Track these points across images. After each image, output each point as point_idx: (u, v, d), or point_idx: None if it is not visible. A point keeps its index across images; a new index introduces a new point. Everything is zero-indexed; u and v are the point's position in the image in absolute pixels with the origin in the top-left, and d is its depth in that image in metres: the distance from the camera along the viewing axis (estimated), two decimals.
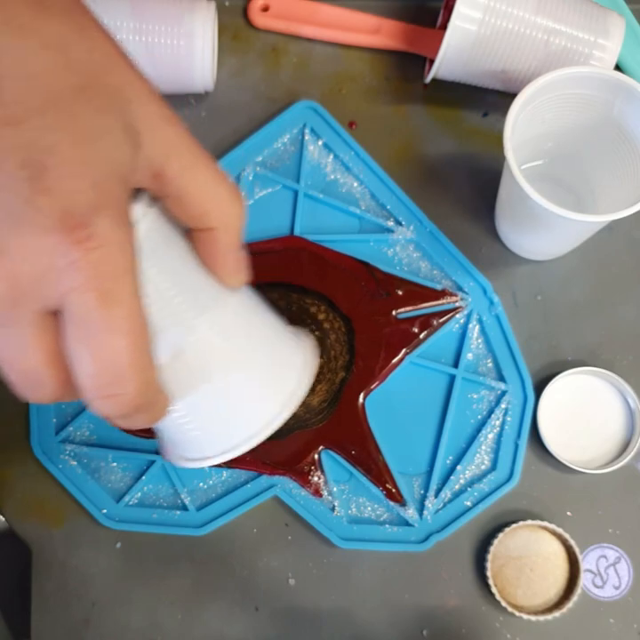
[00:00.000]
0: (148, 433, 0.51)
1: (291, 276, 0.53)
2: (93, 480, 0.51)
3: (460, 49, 0.51)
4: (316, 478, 0.51)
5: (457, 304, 0.53)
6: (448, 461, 0.52)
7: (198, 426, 0.34)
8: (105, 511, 0.51)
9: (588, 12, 0.51)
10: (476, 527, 0.51)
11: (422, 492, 0.51)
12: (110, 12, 0.50)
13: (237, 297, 0.33)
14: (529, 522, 0.50)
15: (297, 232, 0.54)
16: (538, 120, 0.48)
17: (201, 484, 0.51)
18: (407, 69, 0.58)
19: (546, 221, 0.46)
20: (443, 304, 0.53)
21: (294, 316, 0.52)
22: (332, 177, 0.55)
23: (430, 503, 0.51)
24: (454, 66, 0.53)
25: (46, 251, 0.24)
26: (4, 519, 0.51)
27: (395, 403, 0.52)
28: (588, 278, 0.55)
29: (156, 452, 0.51)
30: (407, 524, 0.51)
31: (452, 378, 0.52)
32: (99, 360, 0.25)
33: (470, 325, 0.53)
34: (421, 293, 0.53)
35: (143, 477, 0.51)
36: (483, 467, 0.52)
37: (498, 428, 0.52)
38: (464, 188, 0.56)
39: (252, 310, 0.34)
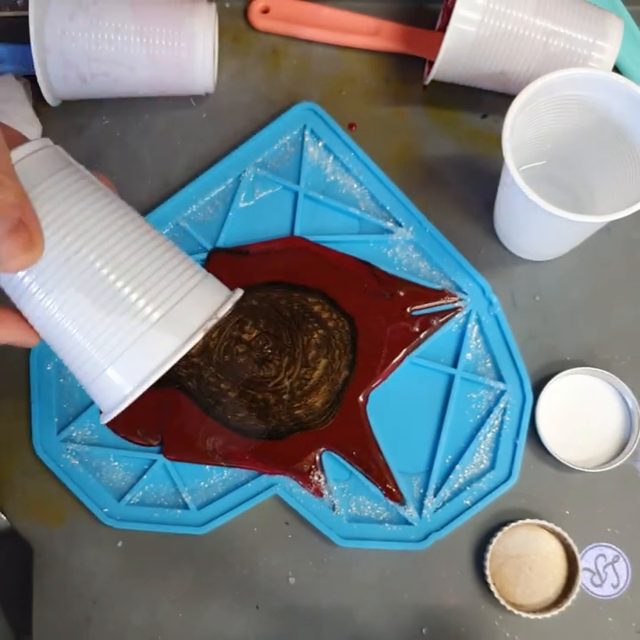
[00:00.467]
0: (145, 441, 0.52)
1: (293, 276, 0.53)
2: (95, 479, 0.52)
3: (459, 51, 0.52)
4: (316, 478, 0.51)
5: (456, 304, 0.53)
6: (447, 461, 0.52)
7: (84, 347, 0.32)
8: (106, 510, 0.51)
9: (587, 14, 0.52)
10: (475, 526, 0.51)
11: (422, 491, 0.52)
12: (111, 15, 0.51)
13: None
14: (528, 521, 0.50)
15: (297, 233, 0.54)
16: (536, 121, 0.48)
17: (202, 483, 0.52)
18: (406, 71, 0.58)
19: (544, 222, 0.46)
20: (443, 304, 0.53)
21: (296, 314, 0.52)
22: (332, 178, 0.55)
23: (429, 502, 0.51)
24: (453, 68, 0.53)
25: None
26: (5, 518, 0.51)
27: (394, 402, 0.52)
28: (586, 279, 0.55)
29: (158, 452, 0.52)
30: (407, 522, 0.51)
31: (451, 378, 0.53)
32: None
33: (469, 325, 0.53)
34: (422, 294, 0.53)
35: (144, 476, 0.51)
36: (482, 466, 0.52)
37: (497, 428, 0.52)
38: (463, 189, 0.56)
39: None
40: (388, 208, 0.55)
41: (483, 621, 0.51)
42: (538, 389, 0.52)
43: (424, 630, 0.51)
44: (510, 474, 0.51)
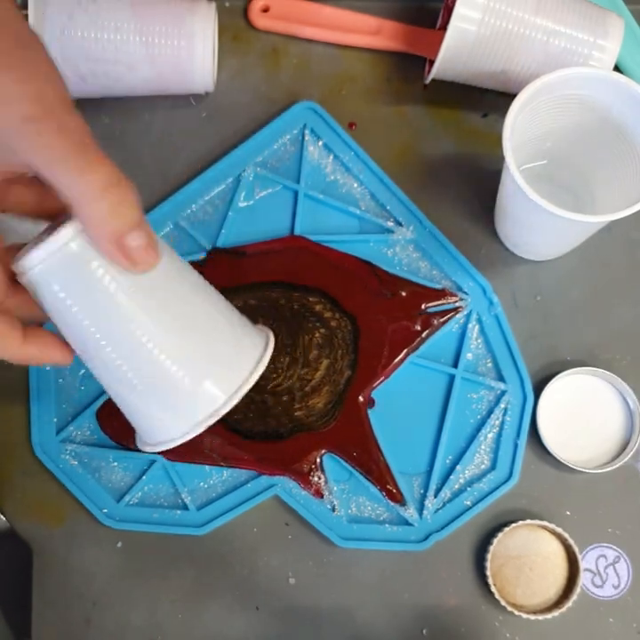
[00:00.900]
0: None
1: (293, 276, 0.53)
2: (94, 480, 0.51)
3: (459, 50, 0.51)
4: (316, 478, 0.51)
5: (457, 304, 0.53)
6: (448, 461, 0.52)
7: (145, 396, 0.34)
8: (106, 511, 0.51)
9: (588, 13, 0.52)
10: (476, 526, 0.51)
11: (422, 491, 0.51)
12: (111, 14, 0.51)
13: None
14: (528, 521, 0.50)
15: (297, 232, 0.54)
16: (537, 121, 0.48)
17: (201, 484, 0.52)
18: (407, 70, 0.58)
19: (545, 222, 0.46)
20: (444, 304, 0.53)
21: (296, 313, 0.52)
22: (332, 177, 0.55)
23: (430, 503, 0.51)
24: (454, 67, 0.53)
25: None
26: (4, 519, 0.51)
27: (394, 402, 0.52)
28: (587, 279, 0.55)
29: (157, 452, 0.51)
30: (407, 523, 0.51)
31: (452, 378, 0.52)
32: None
33: (470, 325, 0.53)
34: (424, 293, 0.53)
35: (144, 477, 0.51)
36: (482, 466, 0.52)
37: (497, 428, 0.52)
38: (463, 189, 0.56)
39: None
40: (388, 207, 0.55)
41: (483, 622, 0.51)
42: (538, 389, 0.52)
43: (424, 631, 0.50)
44: (511, 474, 0.51)
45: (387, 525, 0.51)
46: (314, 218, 0.55)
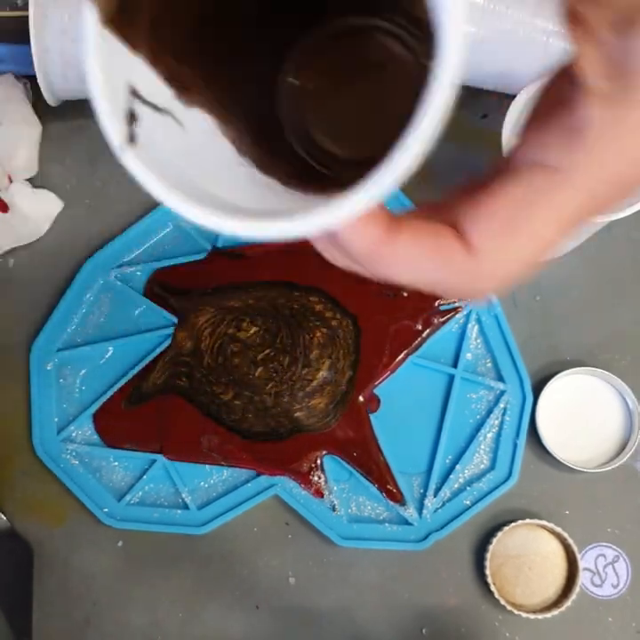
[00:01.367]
0: (133, 444, 0.52)
1: (293, 276, 0.53)
2: (95, 479, 0.51)
3: None
4: (316, 478, 0.51)
5: (456, 304, 0.53)
6: (447, 461, 0.52)
7: None
8: (106, 510, 0.51)
9: None
10: (475, 526, 0.51)
11: (422, 491, 0.52)
12: None
13: None
14: (528, 521, 0.50)
15: None
16: None
17: (202, 483, 0.52)
18: None
19: None
20: (444, 304, 0.53)
21: (296, 313, 0.52)
22: None
23: (429, 502, 0.51)
24: None
25: None
26: (5, 518, 0.51)
27: (394, 402, 0.52)
28: (586, 279, 0.55)
29: (158, 452, 0.52)
30: (407, 522, 0.51)
31: (452, 378, 0.53)
32: None
33: (469, 325, 0.53)
34: (425, 294, 0.53)
35: (144, 477, 0.51)
36: (482, 466, 0.52)
37: (497, 428, 0.52)
38: None
39: None
40: (387, 208, 0.54)
41: (483, 621, 0.51)
42: (538, 389, 0.52)
43: (424, 630, 0.51)
44: (510, 474, 0.51)
45: (386, 525, 0.51)
46: None
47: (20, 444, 0.52)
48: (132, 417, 0.52)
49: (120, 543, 0.51)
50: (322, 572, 0.51)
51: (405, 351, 0.52)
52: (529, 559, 0.51)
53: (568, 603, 0.49)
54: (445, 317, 0.53)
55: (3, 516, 0.51)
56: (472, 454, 0.52)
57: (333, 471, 0.52)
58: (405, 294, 0.53)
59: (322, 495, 0.51)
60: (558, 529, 0.50)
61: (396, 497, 0.51)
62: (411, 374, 0.52)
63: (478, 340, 0.53)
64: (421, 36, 0.25)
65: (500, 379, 0.53)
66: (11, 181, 0.54)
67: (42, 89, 0.52)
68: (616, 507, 0.52)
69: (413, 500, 0.51)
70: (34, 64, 0.50)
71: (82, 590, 0.51)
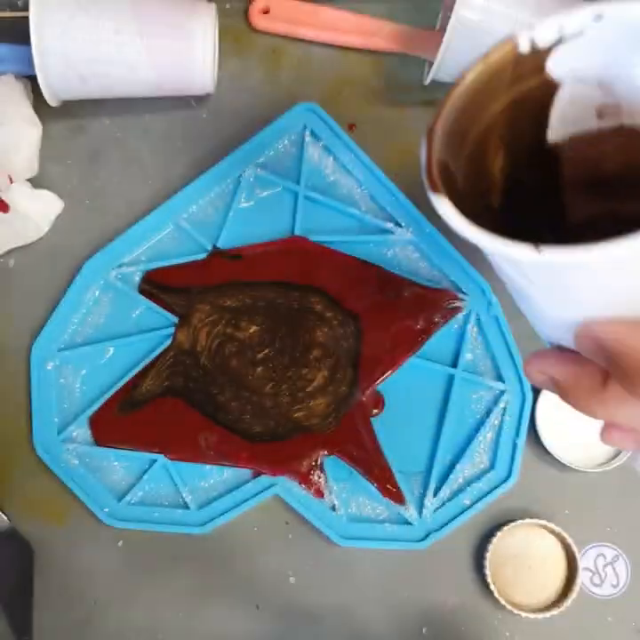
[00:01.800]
0: (136, 446, 0.52)
1: (294, 277, 0.53)
2: (95, 479, 0.52)
3: (459, 50, 0.51)
4: (316, 477, 0.51)
5: (456, 304, 0.53)
6: (447, 460, 0.52)
7: None
8: (107, 510, 0.51)
9: None
10: (475, 526, 0.51)
11: (421, 490, 0.52)
12: (111, 15, 0.51)
13: None
14: (527, 520, 0.50)
15: (297, 233, 0.54)
16: None
17: (202, 483, 0.52)
18: (407, 71, 0.58)
19: None
20: (447, 304, 0.53)
21: (295, 313, 0.52)
22: (332, 179, 0.55)
23: (429, 502, 0.51)
24: (454, 67, 0.53)
25: None
26: (6, 518, 0.51)
27: (394, 402, 0.52)
28: None
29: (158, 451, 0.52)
30: (406, 522, 0.51)
31: (451, 378, 0.53)
32: None
33: (469, 326, 0.53)
34: (426, 294, 0.53)
35: (145, 476, 0.51)
36: (481, 466, 0.52)
37: (496, 428, 0.52)
38: None
39: None
40: (387, 208, 0.55)
41: (482, 621, 0.51)
42: (537, 389, 0.52)
43: (424, 630, 0.51)
44: (510, 474, 0.52)
45: (386, 524, 0.51)
46: (314, 219, 0.55)
47: (20, 443, 0.52)
48: (127, 423, 0.52)
49: (120, 543, 0.52)
50: (322, 572, 0.51)
51: (406, 351, 0.52)
52: (529, 559, 0.51)
53: (568, 602, 0.49)
54: (445, 317, 0.53)
55: (3, 515, 0.51)
56: (472, 454, 0.52)
57: (333, 471, 0.52)
58: (406, 294, 0.53)
59: (322, 495, 0.51)
60: (558, 529, 0.50)
61: (396, 497, 0.51)
62: (410, 374, 0.52)
63: (478, 341, 0.53)
64: None
65: (500, 379, 0.53)
66: (11, 181, 0.54)
67: (42, 89, 0.52)
68: (615, 506, 0.52)
69: (413, 499, 0.52)
70: (34, 64, 0.50)
71: (82, 590, 0.51)
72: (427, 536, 0.51)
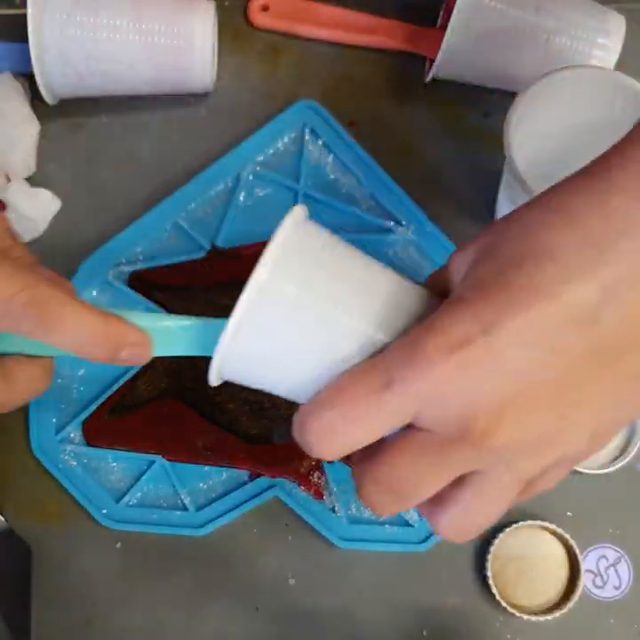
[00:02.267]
0: (132, 446, 0.51)
1: None
2: (93, 480, 0.51)
3: (460, 48, 0.51)
4: (316, 478, 0.51)
5: None
6: None
7: None
8: (105, 511, 0.51)
9: (589, 12, 0.51)
10: None
11: None
12: (110, 13, 0.50)
13: None
14: (529, 522, 0.50)
15: None
16: (539, 119, 0.48)
17: (201, 485, 0.51)
18: (407, 69, 0.58)
19: None
20: None
21: None
22: (332, 177, 0.55)
23: None
24: (454, 65, 0.53)
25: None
26: (3, 519, 0.51)
27: None
28: None
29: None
30: (407, 524, 0.51)
31: None
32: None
33: None
34: None
35: (143, 477, 0.51)
36: None
37: None
38: (464, 188, 0.55)
39: None
40: (388, 207, 0.54)
41: (484, 623, 0.50)
42: None
43: (425, 632, 0.50)
44: None
45: (387, 526, 0.51)
46: (314, 217, 0.54)
47: (17, 444, 0.52)
48: (123, 425, 0.51)
49: (119, 545, 0.51)
50: (322, 574, 0.51)
51: None
52: (530, 561, 0.50)
53: (570, 604, 0.49)
54: None
55: (1, 516, 0.51)
56: None
57: (333, 471, 0.51)
58: None
59: (321, 496, 0.51)
60: (560, 530, 0.50)
61: None
62: None
63: None
64: None
65: None
66: (9, 180, 0.53)
67: (40, 87, 0.52)
68: (618, 508, 0.52)
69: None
70: (32, 62, 0.50)
71: (81, 591, 0.51)
72: (428, 538, 0.50)
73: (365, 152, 0.55)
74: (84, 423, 0.51)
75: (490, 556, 0.50)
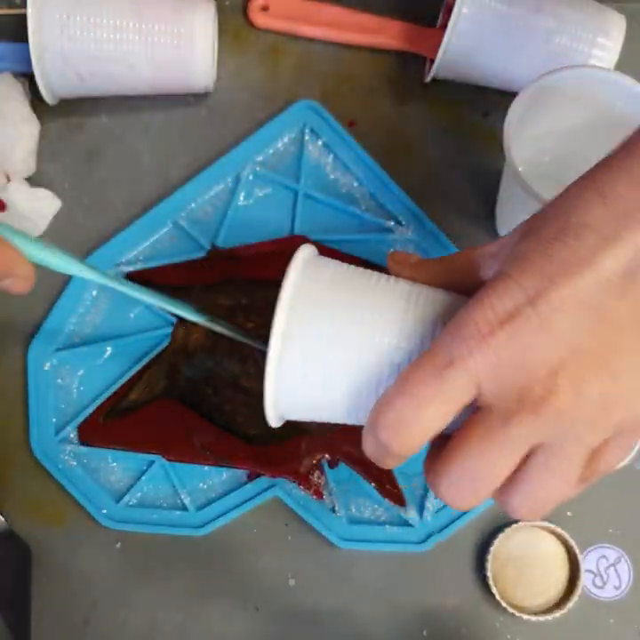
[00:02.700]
0: (135, 447, 0.51)
1: None
2: (93, 480, 0.51)
3: (460, 48, 0.51)
4: (316, 478, 0.51)
5: None
6: None
7: None
8: (105, 511, 0.51)
9: (588, 11, 0.51)
10: (477, 527, 0.51)
11: (422, 491, 0.51)
12: (110, 12, 0.50)
13: None
14: (529, 522, 0.50)
15: (297, 232, 0.54)
16: (538, 119, 0.48)
17: (201, 484, 0.51)
18: (407, 69, 0.58)
19: None
20: None
21: None
22: (332, 177, 0.55)
23: (430, 503, 0.51)
24: (454, 65, 0.53)
25: None
26: (3, 519, 0.51)
27: None
28: None
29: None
30: (407, 524, 0.51)
31: None
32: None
33: None
34: None
35: (143, 477, 0.51)
36: None
37: None
38: (464, 188, 0.55)
39: None
40: (388, 207, 0.54)
41: (484, 623, 0.50)
42: None
43: (425, 632, 0.50)
44: None
45: (387, 526, 0.51)
46: (314, 217, 0.54)
47: (17, 444, 0.52)
48: (122, 425, 0.51)
49: (119, 544, 0.51)
50: (322, 574, 0.51)
51: None
52: (530, 561, 0.50)
53: (570, 604, 0.49)
54: None
55: (1, 517, 0.51)
56: None
57: (333, 472, 0.51)
58: None
59: (321, 496, 0.51)
60: (560, 530, 0.50)
61: (397, 498, 0.51)
62: None
63: None
64: None
65: None
66: (8, 180, 0.53)
67: (40, 87, 0.52)
68: (618, 508, 0.51)
69: (414, 501, 0.51)
70: (32, 62, 0.50)
71: (80, 591, 0.51)
72: (428, 538, 0.50)
73: (365, 152, 0.55)
74: (79, 428, 0.51)
75: (490, 556, 0.49)
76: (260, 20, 0.58)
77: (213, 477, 0.51)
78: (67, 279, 0.53)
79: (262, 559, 0.51)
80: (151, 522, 0.51)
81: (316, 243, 0.53)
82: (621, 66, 0.52)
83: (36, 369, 0.52)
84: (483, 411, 0.28)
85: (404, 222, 0.54)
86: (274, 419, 0.34)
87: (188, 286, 0.53)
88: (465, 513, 0.51)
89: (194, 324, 0.48)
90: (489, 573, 0.49)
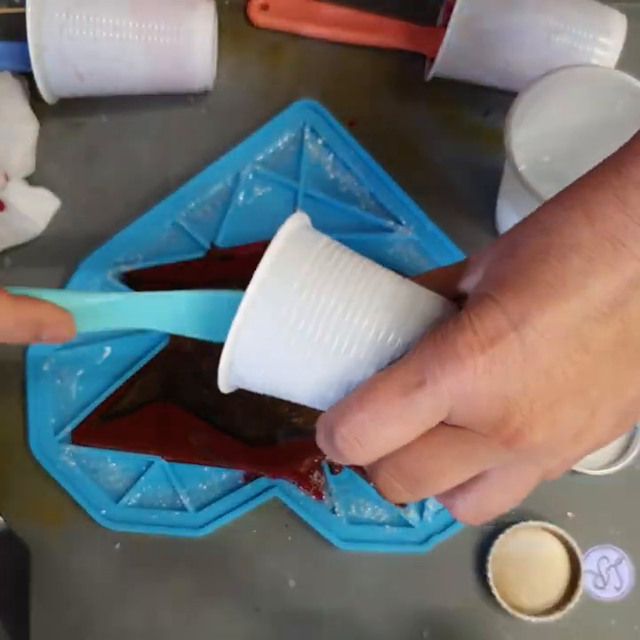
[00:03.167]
0: (137, 447, 0.51)
1: None
2: (92, 481, 0.51)
3: (460, 47, 0.51)
4: (315, 478, 0.51)
5: None
6: None
7: None
8: (104, 512, 0.51)
9: (589, 10, 0.51)
10: (477, 528, 0.51)
11: None
12: (109, 11, 0.50)
13: None
14: (530, 523, 0.50)
15: None
16: (539, 118, 0.48)
17: (200, 485, 0.51)
18: (407, 68, 0.58)
19: None
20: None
21: None
22: (332, 176, 0.55)
23: (431, 504, 0.51)
24: (455, 64, 0.53)
25: None
26: (2, 520, 0.51)
27: None
28: None
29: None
30: (407, 525, 0.51)
31: None
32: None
33: None
34: None
35: (142, 478, 0.51)
36: None
37: None
38: (465, 187, 0.55)
39: None
40: (388, 206, 0.54)
41: (484, 624, 0.50)
42: None
43: (425, 633, 0.50)
44: None
45: (387, 527, 0.51)
46: (313, 217, 0.53)
47: (16, 445, 0.52)
48: (118, 426, 0.51)
49: (118, 545, 0.51)
50: (322, 575, 0.51)
51: None
52: (531, 562, 0.50)
53: (571, 605, 0.49)
54: None
55: (0, 517, 0.51)
56: None
57: None
58: None
59: (321, 496, 0.51)
60: (561, 531, 0.50)
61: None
62: None
63: None
64: None
65: None
66: (7, 179, 0.53)
67: (39, 87, 0.52)
68: (619, 509, 0.51)
69: (414, 501, 0.51)
70: (31, 62, 0.50)
71: (79, 592, 0.51)
72: (428, 539, 0.50)
73: (365, 151, 0.55)
74: (73, 432, 0.51)
75: (490, 557, 0.49)
76: (259, 19, 0.58)
77: (213, 478, 0.51)
78: (65, 278, 0.53)
79: (262, 560, 0.51)
80: (150, 522, 0.51)
81: None
82: (622, 65, 0.52)
83: (34, 369, 0.52)
84: (451, 425, 0.27)
85: (404, 222, 0.54)
86: (225, 382, 0.32)
87: (188, 286, 0.52)
88: None
89: None
90: (489, 574, 0.49)
